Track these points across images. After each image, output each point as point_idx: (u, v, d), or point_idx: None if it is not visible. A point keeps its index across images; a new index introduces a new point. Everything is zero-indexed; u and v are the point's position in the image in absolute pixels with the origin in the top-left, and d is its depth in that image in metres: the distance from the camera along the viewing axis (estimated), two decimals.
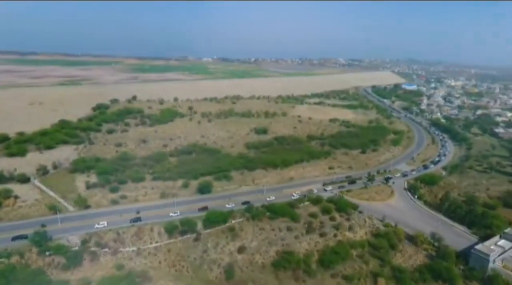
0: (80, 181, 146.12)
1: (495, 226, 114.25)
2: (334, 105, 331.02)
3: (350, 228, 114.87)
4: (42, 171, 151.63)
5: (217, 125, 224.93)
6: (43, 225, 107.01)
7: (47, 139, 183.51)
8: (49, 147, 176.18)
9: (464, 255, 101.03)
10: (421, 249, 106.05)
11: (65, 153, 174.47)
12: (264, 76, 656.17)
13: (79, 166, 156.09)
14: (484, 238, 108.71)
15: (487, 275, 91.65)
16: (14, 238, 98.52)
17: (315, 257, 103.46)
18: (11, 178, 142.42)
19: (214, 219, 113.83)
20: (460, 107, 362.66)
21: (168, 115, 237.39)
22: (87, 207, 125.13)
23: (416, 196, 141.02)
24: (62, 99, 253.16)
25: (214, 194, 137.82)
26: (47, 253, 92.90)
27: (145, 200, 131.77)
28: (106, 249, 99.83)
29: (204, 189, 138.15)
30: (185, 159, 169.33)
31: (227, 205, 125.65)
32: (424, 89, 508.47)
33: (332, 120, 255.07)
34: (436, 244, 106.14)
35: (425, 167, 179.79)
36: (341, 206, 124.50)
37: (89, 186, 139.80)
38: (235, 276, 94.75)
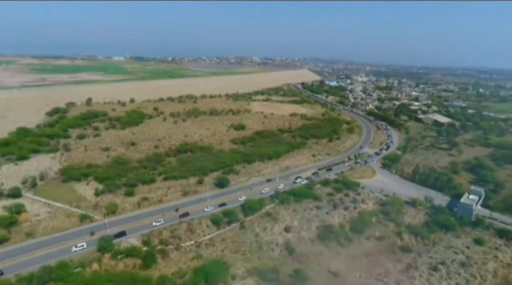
0: (82, 189, 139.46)
1: (458, 187, 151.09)
2: (281, 101, 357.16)
3: (363, 201, 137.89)
4: (31, 184, 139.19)
5: (194, 124, 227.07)
6: (92, 233, 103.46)
7: (14, 149, 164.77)
8: (22, 158, 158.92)
9: (449, 210, 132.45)
10: (420, 210, 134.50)
11: (44, 163, 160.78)
12: (194, 76, 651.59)
13: (73, 174, 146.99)
14: (455, 196, 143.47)
15: (472, 220, 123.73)
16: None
17: (347, 226, 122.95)
18: (0, 194, 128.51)
19: (253, 207, 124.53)
20: (379, 100, 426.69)
21: (137, 117, 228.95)
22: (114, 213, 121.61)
23: (394, 172, 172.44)
24: (7, 104, 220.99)
25: (232, 187, 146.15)
26: (119, 257, 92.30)
27: (169, 200, 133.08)
28: (170, 246, 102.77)
29: (223, 184, 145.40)
30: (184, 157, 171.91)
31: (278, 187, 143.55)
32: (343, 84, 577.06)
33: (292, 115, 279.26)
34: (428, 205, 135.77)
35: (377, 153, 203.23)
36: (348, 185, 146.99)
37: (98, 193, 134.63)
38: (296, 251, 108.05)
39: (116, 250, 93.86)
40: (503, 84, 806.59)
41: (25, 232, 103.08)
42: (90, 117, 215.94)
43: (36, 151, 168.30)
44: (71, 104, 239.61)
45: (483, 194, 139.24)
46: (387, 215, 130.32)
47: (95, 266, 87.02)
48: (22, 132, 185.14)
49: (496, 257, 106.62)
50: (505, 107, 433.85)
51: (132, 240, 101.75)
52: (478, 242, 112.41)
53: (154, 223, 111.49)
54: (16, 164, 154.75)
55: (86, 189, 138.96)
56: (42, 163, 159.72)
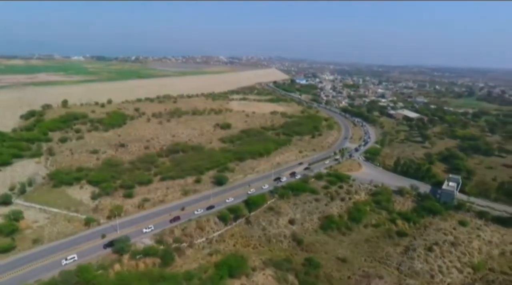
0: (76, 193, 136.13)
1: (436, 176, 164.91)
2: (258, 100, 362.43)
3: (356, 192, 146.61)
4: (20, 190, 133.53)
5: (179, 124, 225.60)
6: (103, 236, 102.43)
7: None
8: (4, 164, 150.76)
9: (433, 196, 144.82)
10: (407, 198, 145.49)
11: (29, 168, 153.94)
12: (164, 76, 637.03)
13: (63, 179, 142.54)
14: (435, 184, 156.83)
15: (454, 205, 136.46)
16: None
17: (345, 216, 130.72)
18: None
19: (256, 202, 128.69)
20: (349, 97, 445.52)
21: (118, 118, 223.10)
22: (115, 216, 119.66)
23: (378, 164, 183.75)
24: None
25: (231, 185, 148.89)
26: (137, 256, 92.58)
27: (171, 200, 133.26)
28: (184, 244, 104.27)
29: (222, 181, 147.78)
30: (177, 157, 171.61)
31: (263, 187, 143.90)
32: (313, 83, 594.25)
33: (273, 113, 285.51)
34: (414, 193, 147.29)
35: (356, 149, 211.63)
36: (340, 178, 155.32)
37: (95, 196, 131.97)
38: (304, 241, 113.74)
39: (133, 250, 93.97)
40: (455, 81, 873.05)
41: (31, 239, 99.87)
42: (70, 120, 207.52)
43: (18, 156, 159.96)
44: (47, 106, 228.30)
45: (460, 181, 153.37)
46: (379, 204, 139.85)
47: (117, 267, 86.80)
48: (0, 137, 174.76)
49: (478, 236, 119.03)
50: (461, 102, 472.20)
51: (145, 240, 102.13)
52: (462, 223, 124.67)
53: (144, 230, 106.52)
54: (0, 170, 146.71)
55: (81, 193, 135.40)
56: (27, 169, 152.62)
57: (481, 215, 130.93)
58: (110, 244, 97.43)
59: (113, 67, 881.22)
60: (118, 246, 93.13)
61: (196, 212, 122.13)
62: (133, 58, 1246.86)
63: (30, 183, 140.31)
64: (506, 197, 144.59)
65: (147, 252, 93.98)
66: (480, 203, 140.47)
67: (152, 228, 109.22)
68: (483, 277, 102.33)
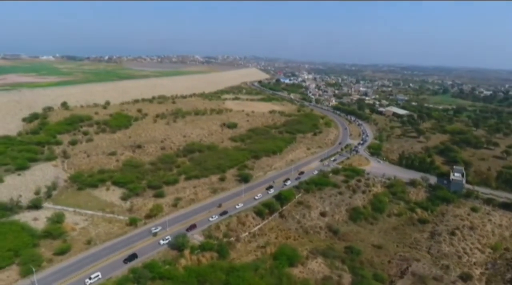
0: (104, 195, 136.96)
1: (440, 168, 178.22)
2: (251, 100, 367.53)
3: (373, 185, 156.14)
4: (47, 194, 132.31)
5: (187, 125, 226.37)
6: (155, 234, 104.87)
7: (7, 159, 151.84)
8: (21, 168, 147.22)
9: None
10: (420, 188, 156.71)
11: (49, 172, 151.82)
12: (145, 76, 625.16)
13: (87, 181, 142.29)
14: (440, 176, 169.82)
15: (463, 193, 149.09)
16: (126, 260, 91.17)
17: (369, 207, 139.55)
18: (19, 207, 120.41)
19: (287, 197, 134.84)
20: (335, 96, 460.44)
21: (123, 119, 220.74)
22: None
23: (384, 158, 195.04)
24: None
25: (255, 181, 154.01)
26: (195, 251, 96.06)
27: (202, 198, 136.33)
28: (232, 238, 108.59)
29: (247, 179, 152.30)
30: (195, 157, 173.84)
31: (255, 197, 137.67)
32: (297, 82, 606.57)
33: (272, 112, 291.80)
34: (425, 184, 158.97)
35: (355, 147, 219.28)
36: (357, 172, 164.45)
37: (125, 197, 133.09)
38: (340, 231, 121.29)
39: (192, 246, 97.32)
40: (426, 79, 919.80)
41: (83, 240, 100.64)
42: (76, 122, 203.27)
43: (33, 160, 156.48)
44: (48, 109, 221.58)
45: (463, 172, 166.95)
46: (395, 195, 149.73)
47: (183, 262, 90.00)
48: (8, 141, 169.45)
49: (490, 220, 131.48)
50: (438, 99, 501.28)
51: (197, 236, 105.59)
52: (474, 210, 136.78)
53: (161, 242, 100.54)
54: (19, 174, 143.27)
55: (109, 195, 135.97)
56: (46, 172, 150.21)
57: (488, 201, 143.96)
58: (131, 257, 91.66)
59: (86, 67, 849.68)
60: (178, 242, 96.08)
61: (210, 219, 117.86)
62: (106, 58, 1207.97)
63: (54, 187, 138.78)
64: (505, 185, 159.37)
65: (204, 247, 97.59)
66: (483, 191, 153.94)
67: (169, 239, 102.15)
68: (501, 256, 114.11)
